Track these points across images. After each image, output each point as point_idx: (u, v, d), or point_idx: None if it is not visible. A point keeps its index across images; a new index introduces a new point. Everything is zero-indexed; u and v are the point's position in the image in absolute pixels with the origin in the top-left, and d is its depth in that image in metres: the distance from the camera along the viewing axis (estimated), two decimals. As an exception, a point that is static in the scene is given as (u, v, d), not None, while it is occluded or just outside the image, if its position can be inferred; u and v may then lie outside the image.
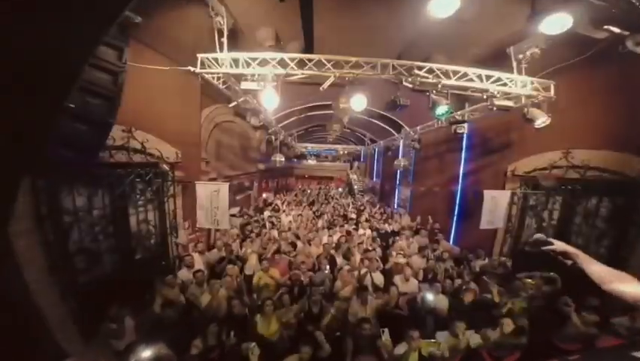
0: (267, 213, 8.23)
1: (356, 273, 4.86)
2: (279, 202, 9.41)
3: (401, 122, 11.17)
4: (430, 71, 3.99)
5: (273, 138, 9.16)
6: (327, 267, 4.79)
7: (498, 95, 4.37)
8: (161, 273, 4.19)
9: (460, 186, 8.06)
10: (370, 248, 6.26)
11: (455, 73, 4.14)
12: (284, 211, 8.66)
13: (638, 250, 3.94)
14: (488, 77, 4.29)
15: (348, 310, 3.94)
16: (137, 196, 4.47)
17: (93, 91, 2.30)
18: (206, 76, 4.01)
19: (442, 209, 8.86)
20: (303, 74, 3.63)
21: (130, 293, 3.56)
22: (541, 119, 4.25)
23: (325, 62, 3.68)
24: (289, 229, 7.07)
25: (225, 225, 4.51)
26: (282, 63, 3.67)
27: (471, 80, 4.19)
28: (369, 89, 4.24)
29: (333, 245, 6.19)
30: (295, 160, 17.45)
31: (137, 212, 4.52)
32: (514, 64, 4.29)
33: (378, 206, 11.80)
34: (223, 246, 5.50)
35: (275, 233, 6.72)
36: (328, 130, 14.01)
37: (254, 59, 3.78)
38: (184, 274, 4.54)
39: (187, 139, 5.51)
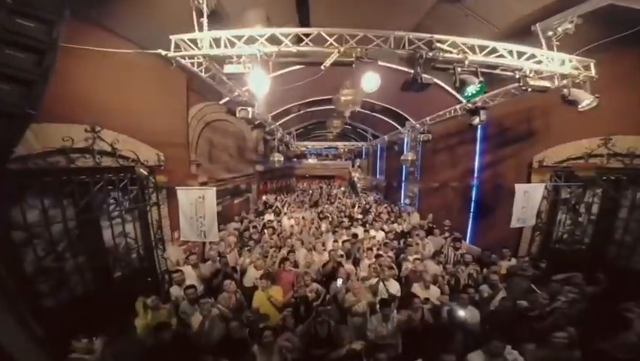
0: (267, 217, 7.53)
1: (368, 283, 4.19)
2: (279, 204, 8.71)
3: (406, 115, 10.44)
4: (454, 45, 3.27)
5: (270, 137, 8.45)
6: (340, 281, 4.09)
7: (531, 75, 3.64)
8: (145, 291, 3.54)
9: (476, 180, 7.33)
10: (383, 253, 5.59)
11: (482, 48, 3.42)
12: (285, 214, 7.96)
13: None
14: (520, 54, 3.57)
15: (365, 328, 3.28)
16: (111, 206, 3.79)
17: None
18: (183, 62, 3.30)
19: (455, 206, 8.14)
20: (299, 51, 2.91)
21: (108, 317, 3.01)
22: (587, 101, 3.53)
23: (326, 37, 2.97)
24: (291, 234, 6.39)
25: (214, 237, 3.83)
26: (274, 40, 2.96)
27: (501, 56, 3.47)
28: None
29: (340, 251, 5.52)
30: (295, 160, 16.74)
31: (111, 224, 3.84)
32: (543, 42, 3.58)
33: (384, 205, 11.09)
34: (218, 256, 4.84)
35: (276, 239, 6.04)
36: (328, 127, 13.31)
37: (239, 37, 3.08)
38: (175, 291, 3.91)
39: (172, 140, 4.82)
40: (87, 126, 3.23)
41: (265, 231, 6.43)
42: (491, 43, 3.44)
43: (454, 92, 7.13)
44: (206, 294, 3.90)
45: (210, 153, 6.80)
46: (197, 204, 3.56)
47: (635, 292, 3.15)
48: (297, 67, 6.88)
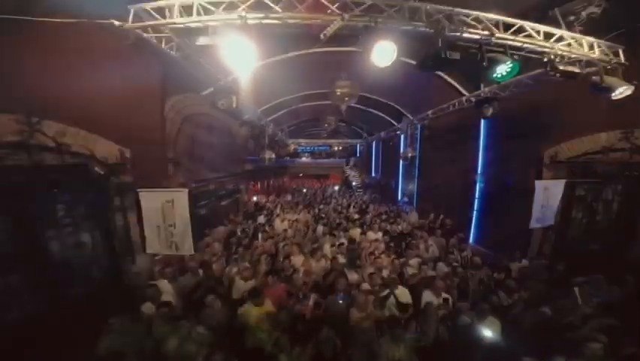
0: (260, 219, 6.85)
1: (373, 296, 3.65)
2: (271, 205, 8.05)
3: (403, 110, 9.95)
4: (477, 20, 2.72)
5: (260, 133, 7.74)
6: (341, 295, 3.53)
7: (558, 59, 3.15)
8: (110, 310, 2.87)
9: (479, 177, 6.90)
10: (386, 257, 5.08)
11: (508, 26, 2.90)
12: (278, 215, 7.31)
13: None
14: (548, 35, 3.07)
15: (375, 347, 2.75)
16: (59, 212, 3.05)
17: None
18: (146, 36, 2.61)
19: (457, 204, 7.71)
20: (293, 18, 2.27)
21: (62, 340, 2.45)
22: (622, 89, 3.07)
23: (326, 3, 2.35)
24: (284, 238, 5.77)
25: (187, 249, 3.17)
26: (260, 5, 2.32)
27: (529, 36, 2.96)
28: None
29: (341, 258, 4.96)
30: (288, 158, 16.00)
31: (61, 233, 3.09)
32: (563, 27, 3.11)
33: (380, 203, 10.63)
34: (199, 266, 4.17)
35: (268, 245, 5.40)
36: (323, 123, 12.70)
37: (216, 3, 2.41)
38: (148, 308, 3.25)
39: (142, 134, 4.07)
40: (20, 116, 2.49)
41: (259, 235, 5.79)
42: (518, 22, 2.91)
43: (455, 84, 6.70)
44: (186, 312, 3.30)
45: (192, 151, 6.04)
46: (164, 209, 2.88)
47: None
48: (290, 54, 6.27)
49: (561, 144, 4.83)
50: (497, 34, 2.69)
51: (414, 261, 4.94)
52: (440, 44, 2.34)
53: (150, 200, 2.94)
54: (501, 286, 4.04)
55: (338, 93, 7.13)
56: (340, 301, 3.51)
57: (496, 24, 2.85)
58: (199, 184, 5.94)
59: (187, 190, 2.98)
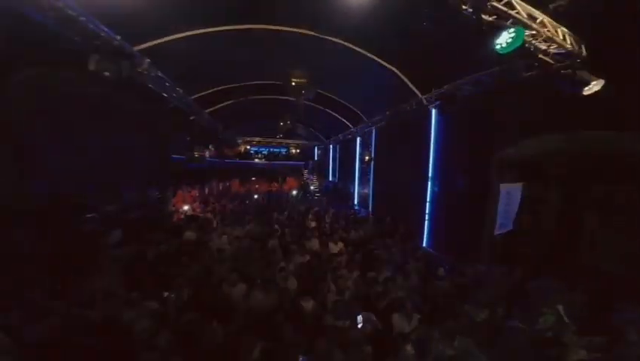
0: (188, 235, 5.03)
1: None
2: (211, 216, 6.27)
3: (358, 112, 9.44)
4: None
5: (193, 127, 5.98)
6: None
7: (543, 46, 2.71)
8: None
9: (431, 179, 6.66)
10: (348, 273, 4.15)
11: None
12: (215, 230, 5.60)
13: None
14: (532, 18, 2.59)
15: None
16: None
17: None
18: None
19: (409, 208, 7.39)
20: None
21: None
22: (593, 84, 2.79)
23: None
24: (221, 261, 4.24)
25: None
26: None
27: (510, 5, 2.39)
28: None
29: (293, 281, 3.78)
30: (238, 160, 13.82)
31: None
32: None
33: (339, 209, 9.87)
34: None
35: (195, 271, 3.80)
36: (278, 122, 11.36)
37: None
38: None
39: None
40: None
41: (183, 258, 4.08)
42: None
43: (410, 85, 6.40)
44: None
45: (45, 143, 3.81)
46: None
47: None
48: (228, 26, 4.91)
49: (512, 146, 4.72)
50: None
51: (380, 277, 4.14)
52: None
53: None
54: (466, 296, 3.59)
55: (294, 84, 6.10)
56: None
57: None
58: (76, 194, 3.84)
59: None
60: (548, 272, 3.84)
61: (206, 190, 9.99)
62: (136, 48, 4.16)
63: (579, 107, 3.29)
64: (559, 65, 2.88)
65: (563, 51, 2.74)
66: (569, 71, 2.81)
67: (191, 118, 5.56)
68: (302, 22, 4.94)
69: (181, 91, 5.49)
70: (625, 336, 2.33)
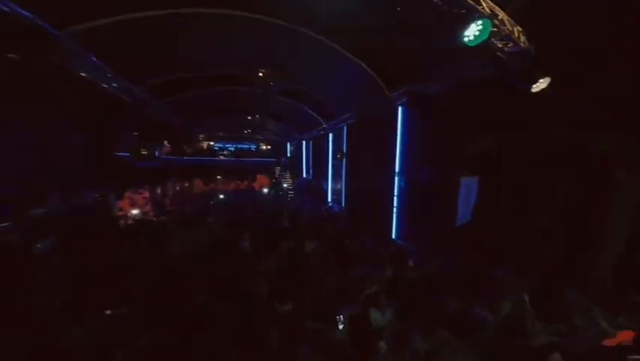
0: (137, 241, 4.26)
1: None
2: (165, 219, 5.51)
3: (329, 107, 9.31)
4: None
5: (142, 120, 5.16)
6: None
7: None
8: None
9: (397, 174, 6.85)
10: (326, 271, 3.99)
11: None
12: (172, 234, 4.88)
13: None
14: (495, 15, 2.67)
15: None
16: None
17: None
18: None
19: (379, 203, 7.55)
20: None
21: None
22: (541, 81, 3.02)
23: None
24: (178, 270, 3.70)
25: None
26: None
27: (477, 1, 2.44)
28: None
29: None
30: (201, 157, 12.51)
31: None
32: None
33: (313, 206, 9.70)
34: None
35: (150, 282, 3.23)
36: (246, 116, 10.67)
37: None
38: None
39: None
40: None
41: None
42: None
43: (380, 81, 6.45)
44: None
45: None
46: None
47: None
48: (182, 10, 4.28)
49: (471, 142, 5.04)
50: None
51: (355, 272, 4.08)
52: None
53: None
54: (435, 287, 3.73)
55: (260, 74, 5.71)
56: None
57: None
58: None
59: None
60: (507, 260, 4.05)
61: (161, 191, 8.79)
62: (64, 31, 3.37)
63: (532, 106, 3.59)
64: (513, 63, 3.07)
65: (518, 50, 2.92)
66: (521, 69, 3.02)
67: (139, 111, 4.76)
68: (271, 9, 4.55)
69: (125, 81, 4.65)
70: (572, 321, 2.47)
